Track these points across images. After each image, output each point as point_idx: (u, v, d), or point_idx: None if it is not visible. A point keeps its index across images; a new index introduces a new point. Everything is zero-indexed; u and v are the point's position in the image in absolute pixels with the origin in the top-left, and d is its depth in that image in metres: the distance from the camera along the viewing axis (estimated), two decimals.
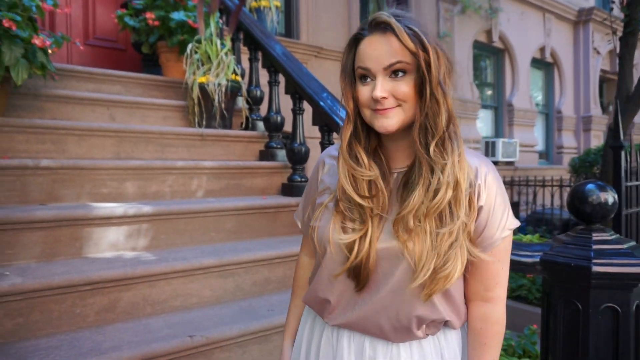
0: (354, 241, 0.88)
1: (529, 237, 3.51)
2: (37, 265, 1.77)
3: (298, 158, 2.71)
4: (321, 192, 1.00)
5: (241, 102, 3.22)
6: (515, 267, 1.61)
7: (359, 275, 0.89)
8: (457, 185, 0.85)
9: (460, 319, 0.94)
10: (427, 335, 0.92)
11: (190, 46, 2.93)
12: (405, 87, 0.84)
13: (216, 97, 2.87)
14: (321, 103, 2.44)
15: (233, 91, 3.01)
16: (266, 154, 2.97)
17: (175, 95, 3.17)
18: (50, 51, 2.29)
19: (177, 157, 2.70)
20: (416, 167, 0.87)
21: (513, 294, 3.35)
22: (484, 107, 7.83)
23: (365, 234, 0.88)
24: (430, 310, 0.89)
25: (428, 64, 0.83)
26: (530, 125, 8.27)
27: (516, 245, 1.61)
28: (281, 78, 2.85)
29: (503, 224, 0.89)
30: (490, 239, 0.89)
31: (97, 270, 1.70)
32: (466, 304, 0.94)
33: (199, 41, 2.99)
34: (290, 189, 2.71)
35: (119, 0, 3.91)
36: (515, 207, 5.37)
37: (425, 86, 0.83)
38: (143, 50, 3.47)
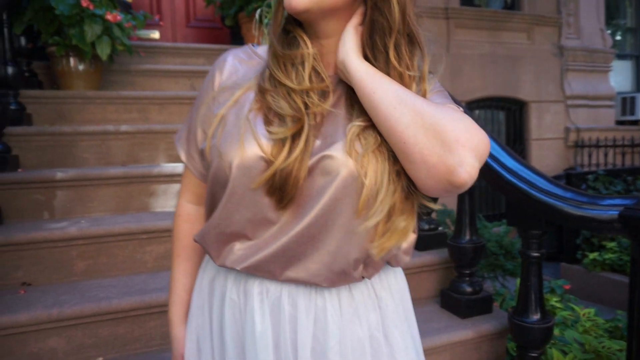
0: (285, 139, 0.66)
1: None
2: (110, 217, 1.99)
3: None
4: (225, 97, 0.75)
5: None
6: (586, 225, 1.34)
7: (285, 186, 0.66)
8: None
9: (408, 254, 0.77)
10: (363, 278, 0.73)
11: (259, 11, 2.97)
12: None
13: None
14: None
15: None
16: None
17: None
18: (145, 29, 2.50)
19: None
20: None
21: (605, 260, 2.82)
22: (620, 56, 6.66)
23: (299, 132, 0.67)
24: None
25: None
26: None
27: (589, 198, 1.34)
28: None
29: None
30: None
31: (153, 221, 1.85)
32: None
33: (269, 6, 3.01)
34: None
35: None
36: None
37: None
38: (226, 23, 3.62)
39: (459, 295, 1.81)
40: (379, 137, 0.66)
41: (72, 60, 2.47)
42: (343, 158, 0.65)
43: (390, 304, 0.77)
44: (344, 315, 0.72)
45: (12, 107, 2.30)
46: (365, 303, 0.74)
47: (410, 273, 1.96)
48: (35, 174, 2.01)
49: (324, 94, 0.70)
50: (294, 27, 0.73)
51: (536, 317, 1.51)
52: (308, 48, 0.71)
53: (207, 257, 0.83)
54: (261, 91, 0.71)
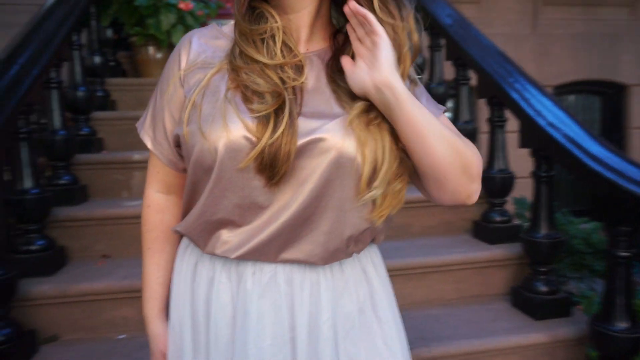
0: (268, 115, 0.64)
1: None
2: None
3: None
4: (197, 78, 0.71)
5: None
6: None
7: (275, 162, 0.64)
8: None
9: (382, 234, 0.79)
10: (352, 253, 0.74)
11: None
12: None
13: None
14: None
15: None
16: None
17: None
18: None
19: None
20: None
21: None
22: None
23: (281, 107, 0.65)
24: (370, 222, 0.71)
25: None
26: None
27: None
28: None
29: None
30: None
31: None
32: None
33: None
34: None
35: None
36: None
37: None
38: None
39: (533, 295, 1.66)
40: (377, 115, 0.67)
41: (150, 49, 2.61)
42: (336, 139, 0.65)
43: (375, 277, 0.79)
44: (335, 289, 0.73)
45: (99, 94, 2.48)
46: (355, 278, 0.76)
47: (478, 267, 1.84)
48: (116, 155, 2.16)
49: (298, 69, 0.69)
50: (260, 2, 0.70)
51: (623, 325, 1.34)
52: (276, 21, 0.68)
53: (185, 242, 0.79)
54: (234, 69, 0.68)
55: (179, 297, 0.78)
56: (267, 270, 0.70)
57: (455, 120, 2.22)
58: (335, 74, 0.69)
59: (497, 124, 1.96)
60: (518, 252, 1.81)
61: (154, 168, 0.81)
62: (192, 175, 0.71)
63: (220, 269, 0.73)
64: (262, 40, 0.68)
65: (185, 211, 0.75)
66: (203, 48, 0.73)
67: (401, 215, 2.03)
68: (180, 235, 0.80)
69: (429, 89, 2.40)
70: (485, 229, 1.96)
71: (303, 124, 0.66)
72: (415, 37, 0.68)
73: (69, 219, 1.81)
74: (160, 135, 0.76)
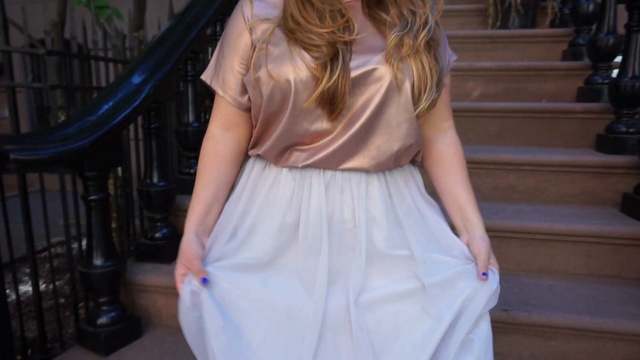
0: (325, 63, 0.76)
1: None
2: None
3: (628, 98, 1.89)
4: (262, 28, 0.84)
5: None
6: None
7: (334, 100, 0.77)
8: None
9: (420, 156, 0.95)
10: (399, 165, 0.90)
11: None
12: None
13: None
14: None
15: None
16: (585, 91, 2.28)
17: None
18: None
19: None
20: None
21: None
22: None
23: (336, 56, 0.77)
24: (414, 138, 0.86)
25: None
26: None
27: None
28: None
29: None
30: (448, 60, 0.91)
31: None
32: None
33: None
34: (608, 143, 1.91)
35: None
36: None
37: None
38: None
39: None
40: (415, 40, 0.80)
41: None
42: (385, 67, 0.78)
43: (416, 190, 0.94)
44: (387, 191, 0.87)
45: None
46: (402, 184, 0.90)
47: (618, 244, 1.61)
48: None
49: (347, 27, 0.80)
50: None
51: None
52: None
53: (251, 160, 0.94)
54: (289, 29, 0.80)
55: (239, 193, 0.92)
56: (329, 173, 0.85)
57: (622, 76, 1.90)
58: (373, 9, 0.83)
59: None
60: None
61: (217, 110, 0.93)
62: (265, 112, 0.84)
63: (286, 173, 0.87)
64: (312, 5, 0.80)
65: (256, 141, 0.90)
66: (262, 5, 0.86)
67: (534, 178, 1.88)
68: (230, 164, 0.93)
69: (595, 40, 2.08)
70: (638, 203, 1.68)
71: (355, 60, 0.79)
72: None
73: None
74: (228, 80, 0.89)
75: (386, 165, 0.86)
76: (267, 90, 0.81)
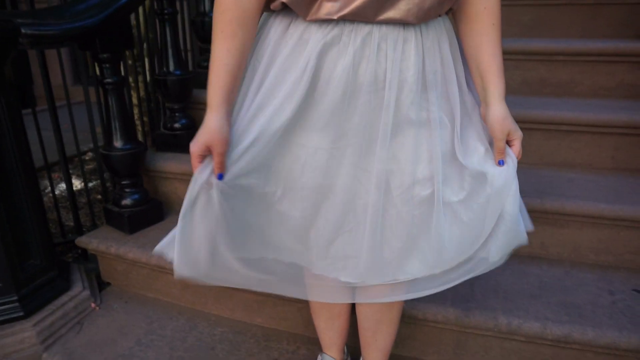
0: None
1: None
2: None
3: None
4: None
5: None
6: None
7: None
8: None
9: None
10: (439, 15, 0.81)
11: None
12: None
13: None
14: None
15: None
16: None
17: None
18: None
19: None
20: None
21: None
22: None
23: None
24: None
25: None
26: None
27: None
28: None
29: None
30: None
31: None
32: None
33: None
34: None
35: None
36: None
37: None
38: None
39: None
40: None
41: None
42: None
43: (447, 49, 0.85)
44: (422, 49, 0.80)
45: None
46: (437, 40, 0.83)
47: (632, 62, 1.54)
48: None
49: None
50: None
51: None
52: None
53: (273, 14, 0.83)
54: None
55: (260, 48, 0.82)
56: (365, 29, 0.76)
57: None
58: None
59: None
60: None
61: None
62: None
63: (315, 29, 0.77)
64: None
65: None
66: None
67: (567, 69, 1.75)
68: (255, 22, 0.81)
69: None
70: None
71: None
72: None
73: None
74: None
75: (429, 13, 0.77)
76: None
